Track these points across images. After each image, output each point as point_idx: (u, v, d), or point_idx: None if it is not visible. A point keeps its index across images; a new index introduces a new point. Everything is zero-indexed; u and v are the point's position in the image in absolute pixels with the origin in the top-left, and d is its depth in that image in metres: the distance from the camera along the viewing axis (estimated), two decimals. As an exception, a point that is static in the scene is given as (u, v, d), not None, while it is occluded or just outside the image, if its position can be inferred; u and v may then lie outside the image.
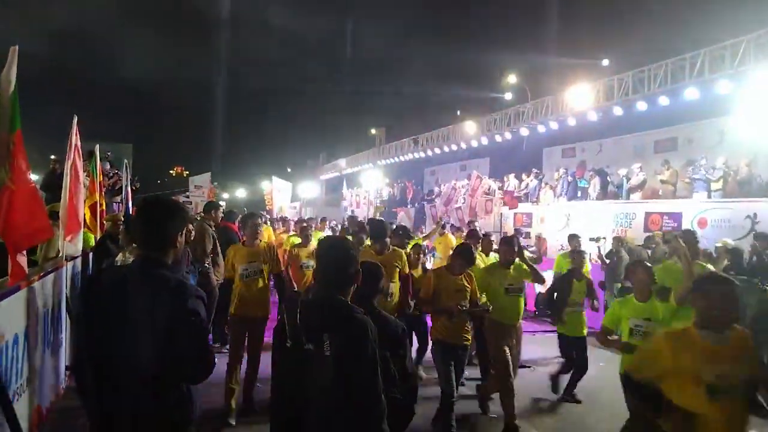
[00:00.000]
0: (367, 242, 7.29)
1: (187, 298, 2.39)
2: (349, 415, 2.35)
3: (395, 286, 6.22)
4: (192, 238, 6.89)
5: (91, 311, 2.48)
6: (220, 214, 8.24)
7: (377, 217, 12.92)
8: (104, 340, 2.42)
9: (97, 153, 8.63)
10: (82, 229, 6.27)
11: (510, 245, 6.14)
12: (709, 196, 12.69)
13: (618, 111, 15.82)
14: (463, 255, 5.59)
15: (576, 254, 7.39)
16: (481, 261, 7.22)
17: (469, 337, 5.64)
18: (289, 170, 51.98)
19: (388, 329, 2.82)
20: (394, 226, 7.78)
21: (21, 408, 4.15)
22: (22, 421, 3.88)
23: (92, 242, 7.78)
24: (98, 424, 2.41)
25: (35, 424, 4.71)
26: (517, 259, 6.16)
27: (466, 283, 5.54)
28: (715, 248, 9.07)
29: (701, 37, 14.04)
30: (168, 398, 2.40)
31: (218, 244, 7.59)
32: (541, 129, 19.26)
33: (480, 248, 7.67)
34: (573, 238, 10.14)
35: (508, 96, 26.35)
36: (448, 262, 5.95)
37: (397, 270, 6.27)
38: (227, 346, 7.84)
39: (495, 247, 8.04)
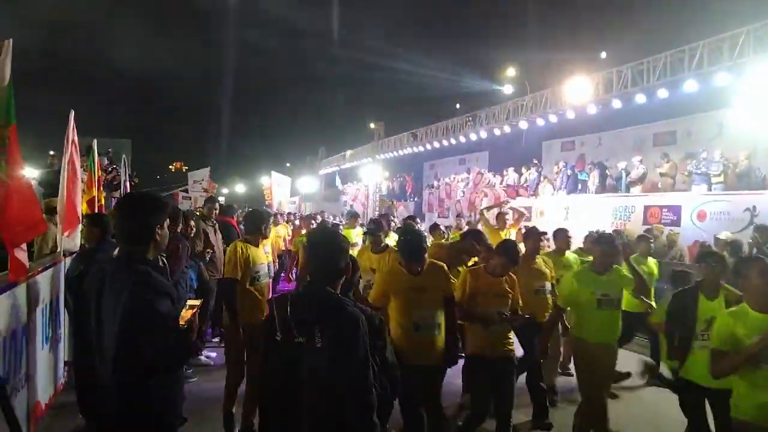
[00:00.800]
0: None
1: (146, 292, 2.39)
2: (340, 407, 2.36)
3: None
4: (193, 234, 6.88)
5: (78, 306, 2.69)
6: (215, 210, 8.23)
7: (382, 212, 12.54)
8: (88, 333, 2.53)
9: (95, 148, 8.59)
10: (80, 225, 6.25)
11: (610, 245, 4.95)
12: (710, 189, 12.67)
13: (617, 104, 15.76)
14: (507, 253, 4.69)
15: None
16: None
17: (512, 347, 4.70)
18: (288, 165, 51.93)
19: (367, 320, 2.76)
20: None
21: (19, 403, 4.15)
22: (20, 416, 3.88)
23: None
24: (87, 419, 2.49)
25: (34, 420, 4.71)
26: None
27: (507, 288, 4.68)
28: (714, 240, 9.07)
29: (700, 28, 13.99)
30: (143, 391, 2.41)
31: (220, 240, 7.61)
32: (540, 122, 19.22)
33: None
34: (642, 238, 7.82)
35: (508, 89, 26.30)
36: (487, 261, 5.03)
37: None
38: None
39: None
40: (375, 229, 6.42)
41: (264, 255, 5.42)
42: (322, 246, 2.66)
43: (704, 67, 12.88)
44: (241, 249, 5.09)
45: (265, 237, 5.62)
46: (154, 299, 2.40)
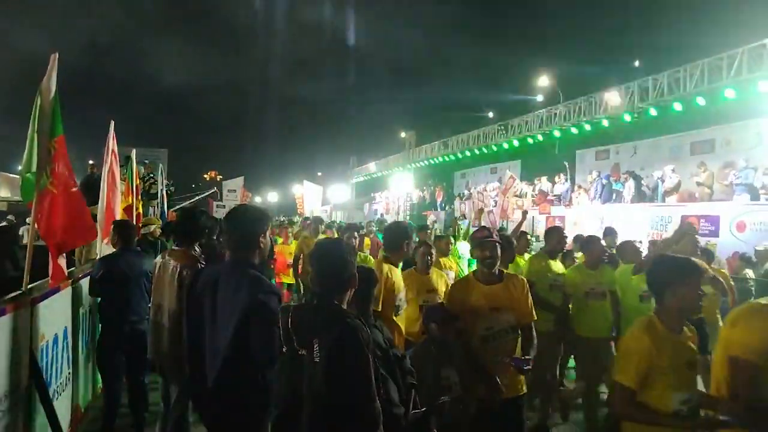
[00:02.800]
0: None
1: (259, 292, 2.71)
2: (341, 421, 2.29)
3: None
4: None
5: (189, 307, 3.00)
6: None
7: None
8: (198, 332, 2.87)
9: (134, 157, 8.81)
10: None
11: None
12: (756, 198, 12.24)
13: (653, 112, 15.53)
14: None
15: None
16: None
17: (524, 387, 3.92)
18: (319, 174, 52.32)
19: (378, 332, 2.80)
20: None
21: (60, 406, 4.26)
22: (62, 419, 3.98)
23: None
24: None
25: (74, 423, 4.83)
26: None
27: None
28: (755, 252, 8.83)
29: (739, 35, 13.69)
30: (244, 382, 2.72)
31: None
32: (573, 131, 19.03)
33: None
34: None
35: (540, 98, 26.10)
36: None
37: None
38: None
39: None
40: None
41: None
42: (325, 256, 2.56)
43: (743, 74, 12.60)
44: (387, 272, 4.26)
45: (407, 256, 4.75)
46: (267, 298, 2.73)
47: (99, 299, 5.16)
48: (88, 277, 5.32)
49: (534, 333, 3.87)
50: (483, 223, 18.45)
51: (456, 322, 3.72)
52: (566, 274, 5.69)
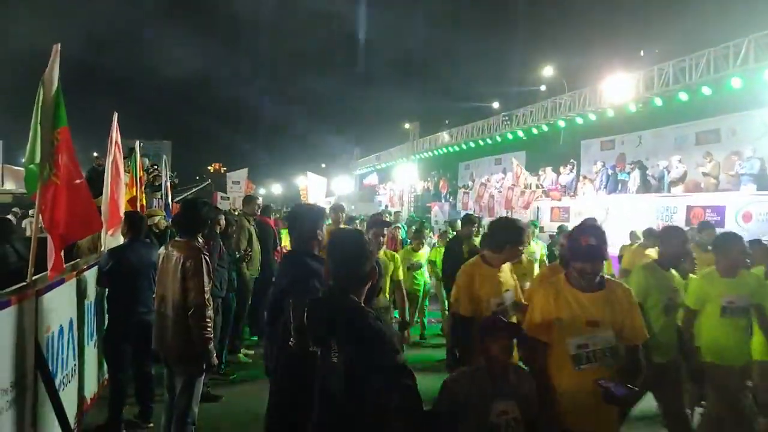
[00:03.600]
0: None
1: (309, 279, 2.88)
2: (357, 428, 2.15)
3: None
4: (233, 234, 6.97)
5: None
6: (257, 208, 8.28)
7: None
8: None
9: (137, 149, 8.82)
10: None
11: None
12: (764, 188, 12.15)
13: (658, 102, 15.44)
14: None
15: None
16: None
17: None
18: (323, 166, 52.32)
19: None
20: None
21: (66, 397, 4.28)
22: (68, 410, 4.00)
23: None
24: None
25: (80, 414, 4.85)
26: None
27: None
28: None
29: (745, 24, 13.57)
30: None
31: (256, 240, 7.66)
32: (578, 121, 18.94)
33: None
34: None
35: (544, 88, 25.97)
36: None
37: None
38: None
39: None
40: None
41: (511, 278, 4.19)
42: (343, 247, 2.40)
43: (750, 64, 12.50)
44: (480, 276, 3.96)
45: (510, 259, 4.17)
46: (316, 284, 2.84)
47: (107, 290, 5.20)
48: (94, 268, 5.34)
49: (642, 359, 3.18)
50: (486, 214, 18.43)
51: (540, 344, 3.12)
52: (691, 284, 4.49)
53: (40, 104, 3.80)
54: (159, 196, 12.16)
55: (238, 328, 7.31)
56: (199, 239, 4.31)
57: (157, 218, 8.10)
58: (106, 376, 5.87)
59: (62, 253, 4.10)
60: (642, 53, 23.45)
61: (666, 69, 14.99)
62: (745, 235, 10.10)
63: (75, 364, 4.76)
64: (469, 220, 7.99)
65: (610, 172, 17.04)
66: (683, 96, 14.53)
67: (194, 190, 25.19)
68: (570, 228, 5.94)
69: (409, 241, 10.15)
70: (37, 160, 3.83)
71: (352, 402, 2.11)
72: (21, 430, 3.50)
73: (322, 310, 2.26)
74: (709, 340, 4.24)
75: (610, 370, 2.98)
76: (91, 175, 10.38)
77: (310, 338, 2.27)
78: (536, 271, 6.98)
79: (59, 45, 3.92)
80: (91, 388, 5.29)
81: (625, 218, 13.24)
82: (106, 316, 5.28)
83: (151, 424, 4.97)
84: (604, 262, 3.22)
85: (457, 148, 27.57)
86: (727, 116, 14.81)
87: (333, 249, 2.41)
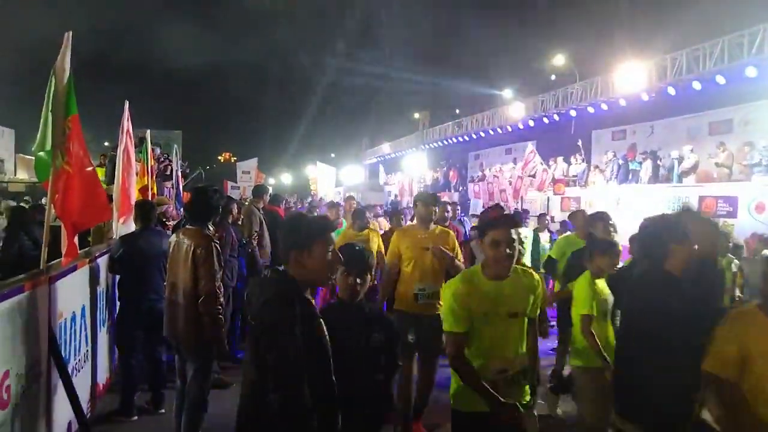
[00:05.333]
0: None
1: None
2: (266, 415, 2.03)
3: None
4: (240, 221, 7.01)
5: None
6: (267, 198, 8.33)
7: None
8: None
9: (148, 138, 8.86)
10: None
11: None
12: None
13: (671, 91, 15.28)
14: None
15: None
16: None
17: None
18: (332, 156, 52.28)
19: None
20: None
21: (79, 383, 4.33)
22: (81, 395, 4.05)
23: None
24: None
25: (93, 399, 4.91)
26: None
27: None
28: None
29: (760, 12, 13.35)
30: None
31: (266, 227, 7.69)
32: (590, 110, 18.80)
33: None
34: None
35: (554, 77, 25.75)
36: None
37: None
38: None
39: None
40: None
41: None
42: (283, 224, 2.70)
43: (765, 52, 12.34)
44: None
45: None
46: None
47: (118, 277, 5.26)
48: (106, 255, 5.38)
49: None
50: (497, 202, 18.33)
51: None
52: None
53: (51, 93, 3.81)
54: (170, 185, 12.23)
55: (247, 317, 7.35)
56: (209, 227, 4.32)
57: (164, 207, 8.15)
58: (117, 363, 5.95)
59: (76, 240, 4.12)
60: (655, 42, 23.15)
61: (679, 58, 14.82)
62: (758, 226, 9.99)
63: (88, 350, 4.82)
64: None
65: (621, 162, 16.91)
66: (697, 85, 14.36)
67: (188, 181, 25.26)
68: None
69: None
70: (47, 147, 3.85)
71: (259, 380, 2.08)
72: (35, 415, 3.55)
73: (258, 287, 2.27)
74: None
75: None
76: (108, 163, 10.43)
77: (250, 316, 2.26)
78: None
79: (71, 33, 3.92)
80: (103, 374, 5.35)
81: (636, 209, 13.15)
82: (117, 302, 5.34)
83: (163, 411, 5.02)
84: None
85: (467, 138, 27.45)
86: (741, 106, 14.64)
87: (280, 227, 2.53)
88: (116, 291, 5.64)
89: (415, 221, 5.20)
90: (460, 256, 4.92)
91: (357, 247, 2.98)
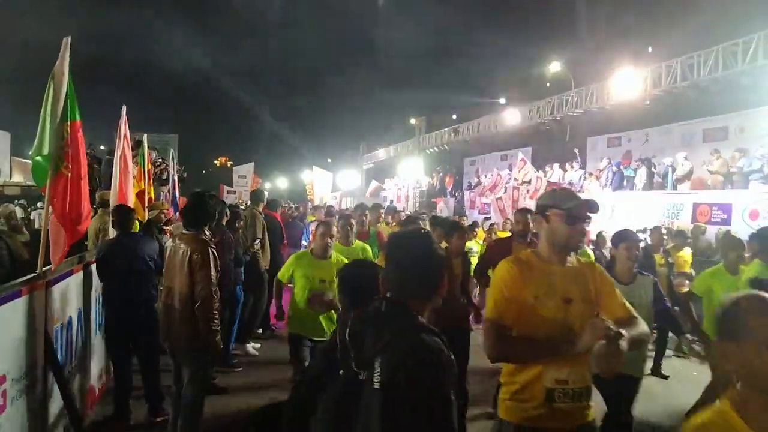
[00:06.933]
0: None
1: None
2: None
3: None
4: (242, 225, 7.00)
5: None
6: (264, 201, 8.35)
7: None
8: None
9: (145, 142, 8.85)
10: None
11: None
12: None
13: (666, 99, 15.38)
14: None
15: None
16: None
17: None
18: (329, 160, 52.32)
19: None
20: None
21: (76, 388, 4.33)
22: (76, 400, 4.04)
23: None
24: None
25: (89, 404, 4.90)
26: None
27: None
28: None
29: (754, 21, 13.48)
30: None
31: (266, 233, 7.71)
32: (585, 117, 18.90)
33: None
34: None
35: (552, 84, 25.88)
36: None
37: None
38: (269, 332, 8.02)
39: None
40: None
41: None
42: (409, 250, 1.92)
43: (759, 61, 12.45)
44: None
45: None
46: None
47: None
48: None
49: None
50: (493, 211, 18.40)
51: None
52: None
53: (50, 97, 3.82)
54: (166, 190, 12.21)
55: (252, 321, 7.38)
56: (206, 232, 4.33)
57: (156, 211, 8.12)
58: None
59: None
60: (650, 49, 23.31)
61: (674, 65, 14.94)
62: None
63: (83, 355, 4.81)
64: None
65: (615, 169, 16.99)
66: (691, 93, 14.47)
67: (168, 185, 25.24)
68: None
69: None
70: (45, 151, 3.85)
71: None
72: (30, 419, 3.54)
73: (370, 325, 1.78)
74: None
75: None
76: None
77: (354, 359, 1.77)
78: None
79: (69, 38, 3.93)
80: (99, 379, 5.34)
81: (631, 215, 13.21)
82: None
83: (160, 419, 4.98)
84: None
85: (463, 144, 27.56)
86: (736, 114, 14.74)
87: (394, 251, 1.96)
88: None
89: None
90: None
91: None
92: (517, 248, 4.84)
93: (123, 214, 5.29)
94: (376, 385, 1.63)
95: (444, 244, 5.09)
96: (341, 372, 1.82)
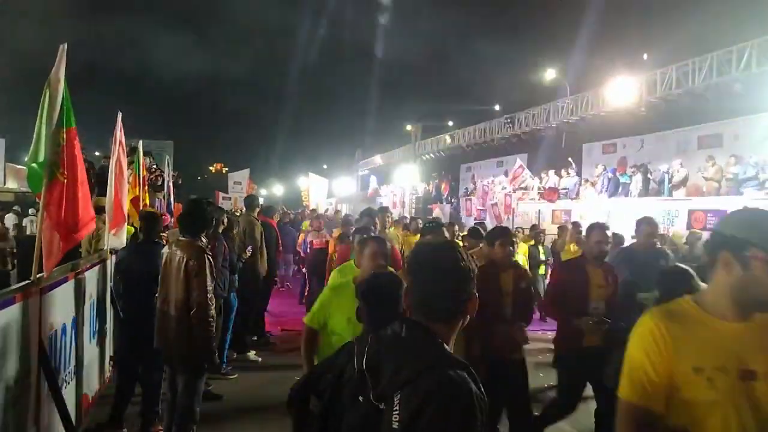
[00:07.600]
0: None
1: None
2: None
3: None
4: (235, 232, 6.99)
5: None
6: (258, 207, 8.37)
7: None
8: None
9: (140, 148, 8.84)
10: (126, 223, 6.43)
11: None
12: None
13: (661, 106, 15.46)
14: None
15: None
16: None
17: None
18: (325, 167, 52.37)
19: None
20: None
21: (69, 395, 4.29)
22: (69, 407, 4.01)
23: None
24: None
25: (82, 411, 4.86)
26: None
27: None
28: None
29: (749, 28, 13.59)
30: None
31: (263, 239, 7.70)
32: (580, 124, 18.97)
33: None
34: None
35: (548, 90, 25.99)
36: None
37: None
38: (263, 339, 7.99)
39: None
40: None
41: None
42: (432, 265, 1.67)
43: (753, 68, 12.54)
44: None
45: None
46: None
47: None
48: (96, 268, 5.35)
49: None
50: (488, 216, 18.43)
51: None
52: None
53: (46, 104, 3.80)
54: (162, 196, 12.19)
55: (246, 327, 7.37)
56: (202, 239, 4.32)
57: None
58: (108, 374, 5.90)
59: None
60: (645, 56, 23.47)
61: (669, 72, 15.02)
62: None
63: (77, 363, 4.77)
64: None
65: (610, 175, 17.04)
66: (686, 100, 14.55)
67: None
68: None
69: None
70: (40, 159, 3.82)
71: None
72: (24, 427, 3.51)
73: (390, 351, 1.57)
74: None
75: None
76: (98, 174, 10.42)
77: (372, 389, 1.54)
78: None
79: (66, 45, 3.92)
80: (93, 387, 5.30)
81: (626, 222, 13.23)
82: (109, 315, 5.30)
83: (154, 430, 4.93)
84: None
85: (458, 150, 27.62)
86: (730, 121, 14.81)
87: (419, 267, 1.69)
88: (108, 302, 5.62)
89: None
90: None
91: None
92: (594, 274, 4.40)
93: (151, 222, 5.27)
94: (395, 425, 1.44)
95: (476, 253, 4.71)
96: (360, 399, 1.57)
